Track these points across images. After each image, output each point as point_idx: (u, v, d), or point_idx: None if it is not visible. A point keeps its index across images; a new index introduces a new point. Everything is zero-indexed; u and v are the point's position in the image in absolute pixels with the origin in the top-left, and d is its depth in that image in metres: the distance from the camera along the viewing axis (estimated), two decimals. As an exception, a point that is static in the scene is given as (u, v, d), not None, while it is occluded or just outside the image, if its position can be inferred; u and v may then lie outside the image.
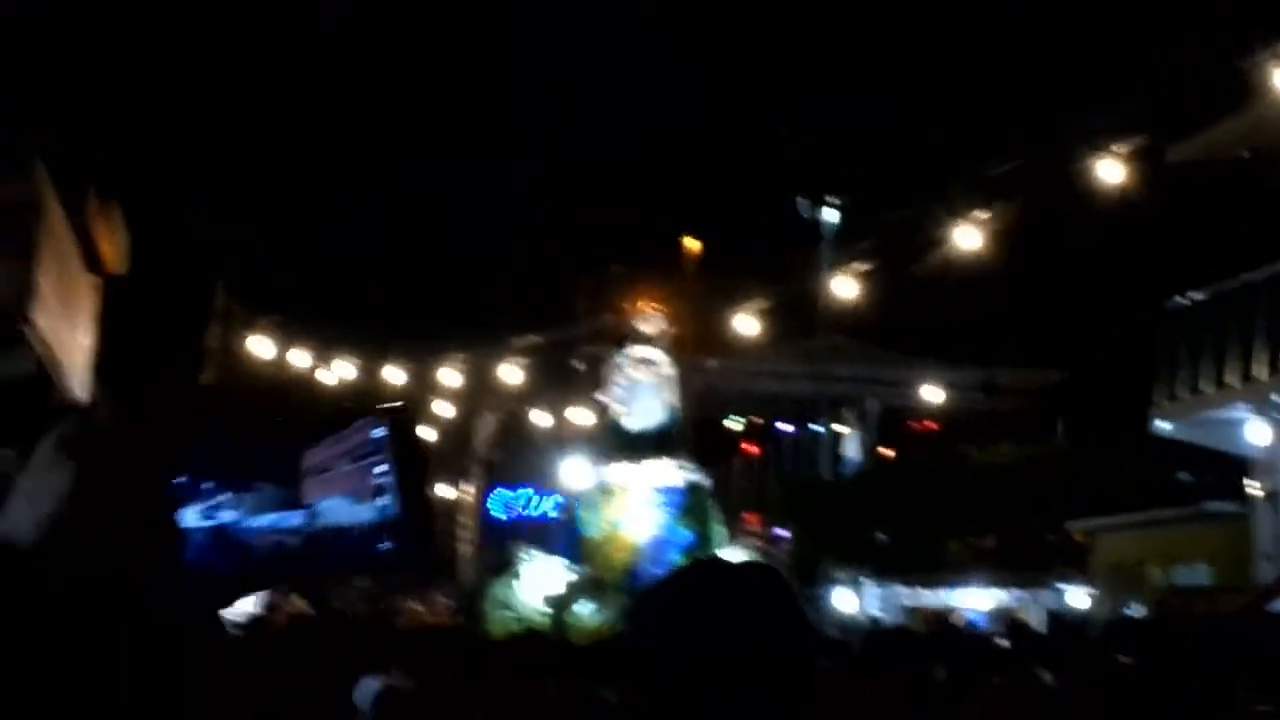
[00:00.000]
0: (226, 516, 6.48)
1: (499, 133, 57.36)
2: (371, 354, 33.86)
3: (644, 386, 26.04)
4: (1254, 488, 26.47)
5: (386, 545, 6.28)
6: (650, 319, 26.53)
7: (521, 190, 53.44)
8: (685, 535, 25.11)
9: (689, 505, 25.61)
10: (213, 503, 6.45)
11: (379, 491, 6.22)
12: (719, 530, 26.15)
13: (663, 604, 3.00)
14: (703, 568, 3.09)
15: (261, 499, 6.47)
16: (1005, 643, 19.20)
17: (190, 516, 6.43)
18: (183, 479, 6.40)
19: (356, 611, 40.63)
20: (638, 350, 26.20)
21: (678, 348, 26.90)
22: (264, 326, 32.22)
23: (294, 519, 6.39)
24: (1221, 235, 28.26)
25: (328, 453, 6.43)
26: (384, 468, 6.35)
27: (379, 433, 6.35)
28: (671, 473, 25.72)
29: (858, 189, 41.38)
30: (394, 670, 9.34)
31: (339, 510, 6.59)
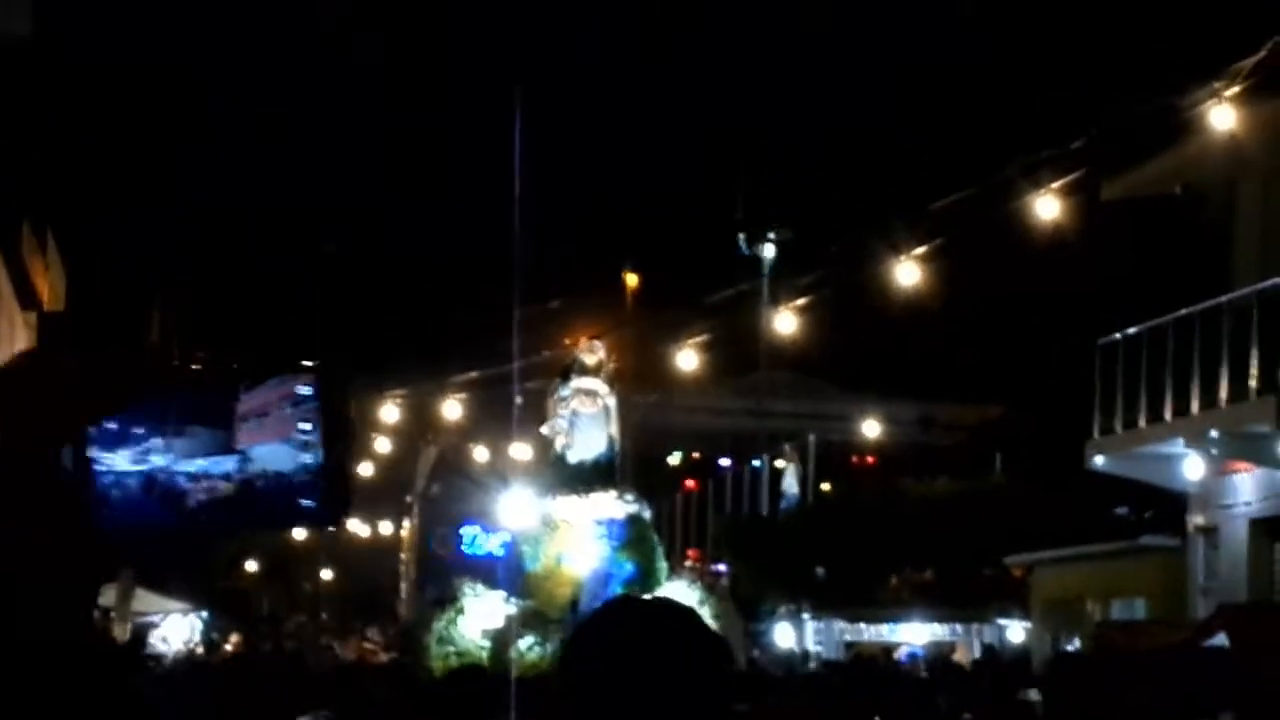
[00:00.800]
0: (158, 461, 6.43)
1: (437, 168, 57.36)
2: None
3: (586, 418, 25.99)
4: (1191, 522, 26.61)
5: (308, 501, 6.25)
6: (592, 350, 26.47)
7: (459, 224, 53.40)
8: (627, 568, 25.01)
9: (630, 537, 25.51)
10: (144, 447, 6.40)
11: (305, 447, 6.18)
12: (661, 563, 26.07)
13: (581, 645, 3.01)
14: (617, 608, 3.11)
15: (194, 443, 6.42)
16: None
17: (121, 460, 6.39)
18: (113, 423, 6.36)
19: (294, 648, 40.44)
20: (580, 381, 26.08)
21: (618, 382, 26.85)
22: (200, 360, 32.05)
23: (227, 464, 6.34)
24: (1155, 271, 28.46)
25: (264, 398, 6.39)
26: (309, 424, 6.31)
27: (306, 389, 6.31)
28: (613, 504, 25.62)
29: (799, 225, 41.49)
30: (332, 708, 9.28)
31: (272, 457, 6.55)
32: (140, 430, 6.48)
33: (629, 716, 2.90)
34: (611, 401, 26.26)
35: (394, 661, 28.46)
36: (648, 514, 26.78)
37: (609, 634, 3.01)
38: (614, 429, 26.34)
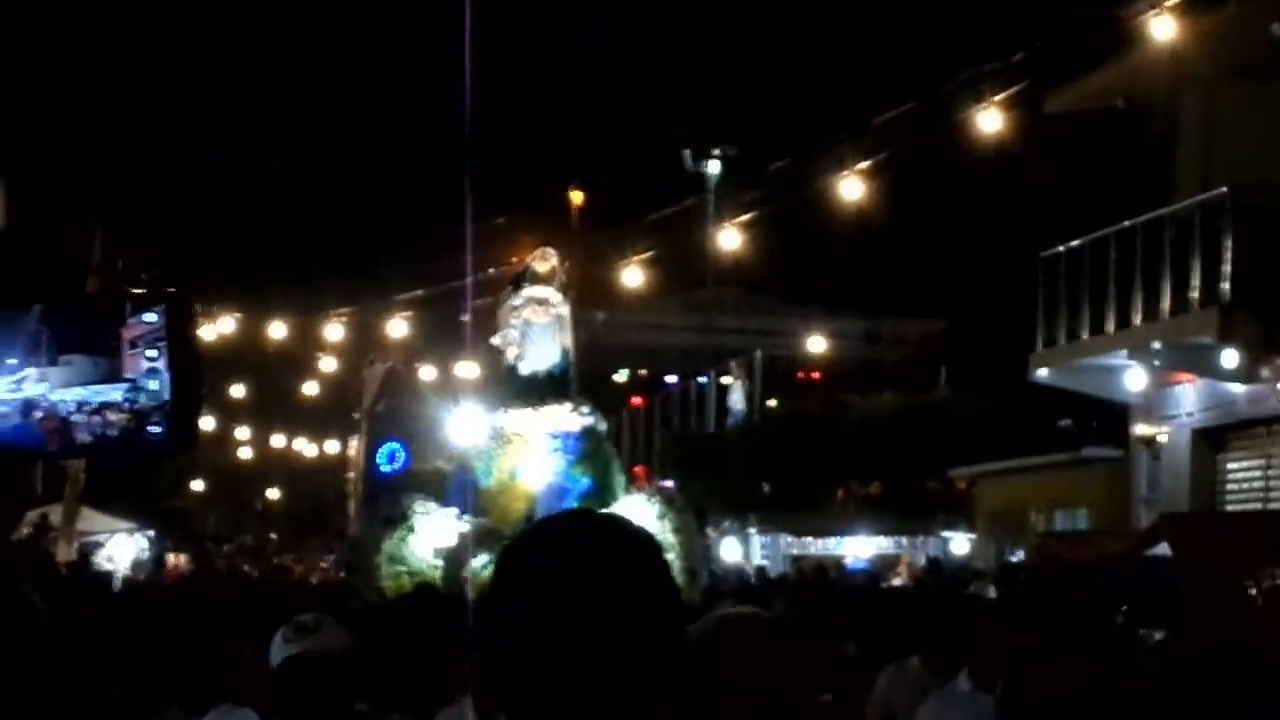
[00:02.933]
0: (34, 390, 6.36)
1: (384, 85, 57.00)
2: (254, 309, 33.61)
3: (538, 327, 25.25)
4: (1133, 433, 26.82)
5: (156, 429, 6.20)
6: (544, 257, 25.77)
7: (405, 141, 53.12)
8: (583, 482, 24.42)
9: (586, 451, 24.88)
10: (19, 376, 6.34)
11: (151, 375, 6.13)
12: (617, 477, 25.48)
13: (516, 560, 2.84)
14: (563, 523, 2.92)
15: (73, 371, 6.35)
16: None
17: None
18: None
19: (238, 569, 40.39)
20: (532, 290, 25.40)
21: (570, 291, 26.12)
22: (144, 282, 31.90)
23: (112, 392, 6.24)
24: (1098, 183, 28.55)
25: (146, 327, 6.33)
26: (155, 352, 6.25)
27: (153, 317, 6.25)
28: (567, 417, 24.97)
29: (743, 141, 41.43)
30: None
31: (154, 382, 6.49)
32: (13, 360, 6.42)
33: (572, 640, 2.74)
34: (565, 310, 25.51)
35: (341, 582, 28.12)
36: (603, 427, 26.09)
37: (557, 549, 2.82)
38: (568, 339, 25.61)
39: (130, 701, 7.01)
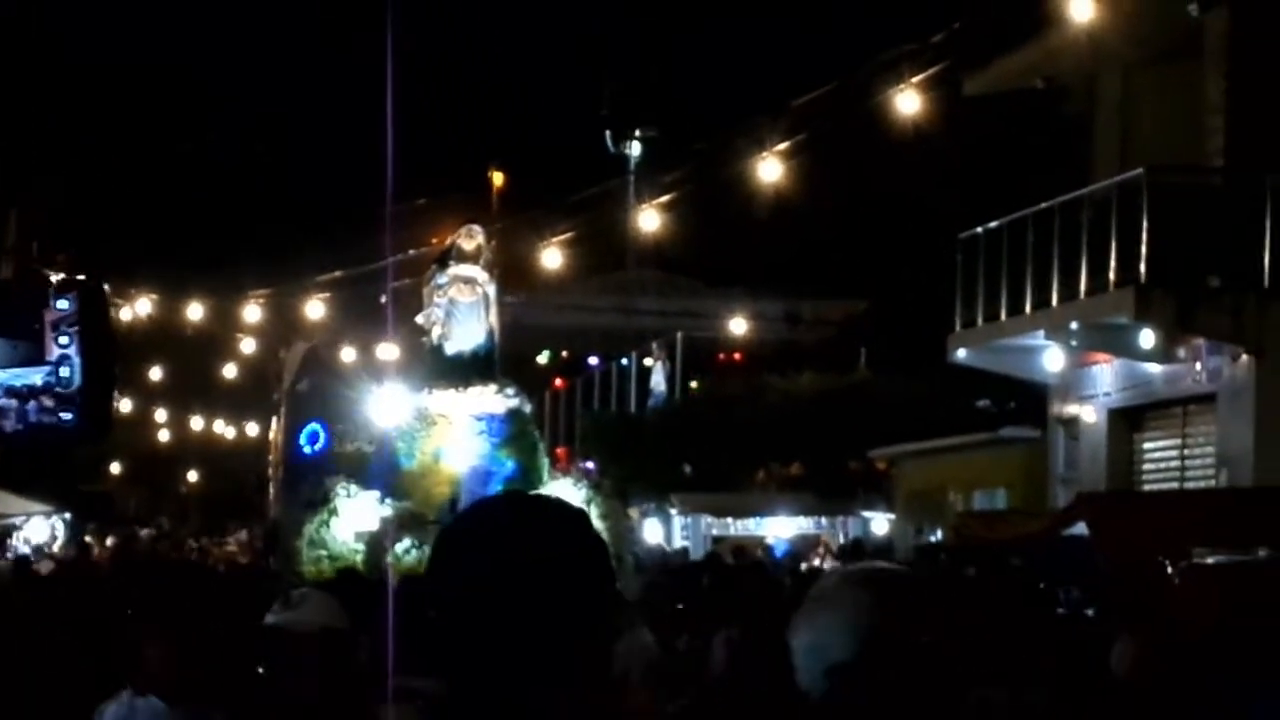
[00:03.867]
0: None
1: (304, 65, 56.68)
2: (171, 290, 33.38)
3: (464, 306, 24.74)
4: (1051, 413, 26.98)
5: (69, 416, 6.14)
6: (470, 235, 25.08)
7: (325, 123, 52.88)
8: (508, 465, 23.99)
9: (511, 433, 24.47)
10: None
11: (64, 361, 6.10)
12: (542, 460, 25.11)
13: (461, 540, 2.86)
14: (501, 503, 2.95)
15: None
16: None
17: None
18: None
19: (158, 551, 40.07)
20: (458, 269, 24.86)
21: (496, 269, 25.62)
22: (61, 265, 31.61)
23: (34, 375, 6.18)
24: (1017, 164, 28.69)
25: (60, 313, 6.30)
26: (67, 339, 6.24)
27: (65, 304, 6.24)
28: (492, 399, 24.51)
29: (664, 122, 41.41)
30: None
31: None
32: None
33: (509, 620, 2.75)
34: (491, 290, 24.99)
35: (260, 565, 27.83)
36: (529, 409, 25.65)
37: (493, 529, 2.83)
38: (493, 319, 25.11)
39: (80, 684, 6.93)
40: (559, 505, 2.91)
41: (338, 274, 33.18)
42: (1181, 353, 23.09)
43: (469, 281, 24.89)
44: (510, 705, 2.74)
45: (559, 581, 2.77)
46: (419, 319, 25.38)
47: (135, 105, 50.68)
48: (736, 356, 44.94)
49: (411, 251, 30.48)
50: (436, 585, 2.83)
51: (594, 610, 2.79)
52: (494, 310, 25.21)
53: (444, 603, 2.79)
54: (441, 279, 24.94)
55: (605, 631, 2.81)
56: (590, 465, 39.59)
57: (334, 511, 23.43)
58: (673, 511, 38.26)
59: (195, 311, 33.21)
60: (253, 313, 33.78)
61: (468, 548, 2.82)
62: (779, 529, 36.32)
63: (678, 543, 36.47)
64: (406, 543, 22.49)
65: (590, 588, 2.80)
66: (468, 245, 25.07)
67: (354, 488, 23.90)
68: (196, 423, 54.82)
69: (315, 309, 33.31)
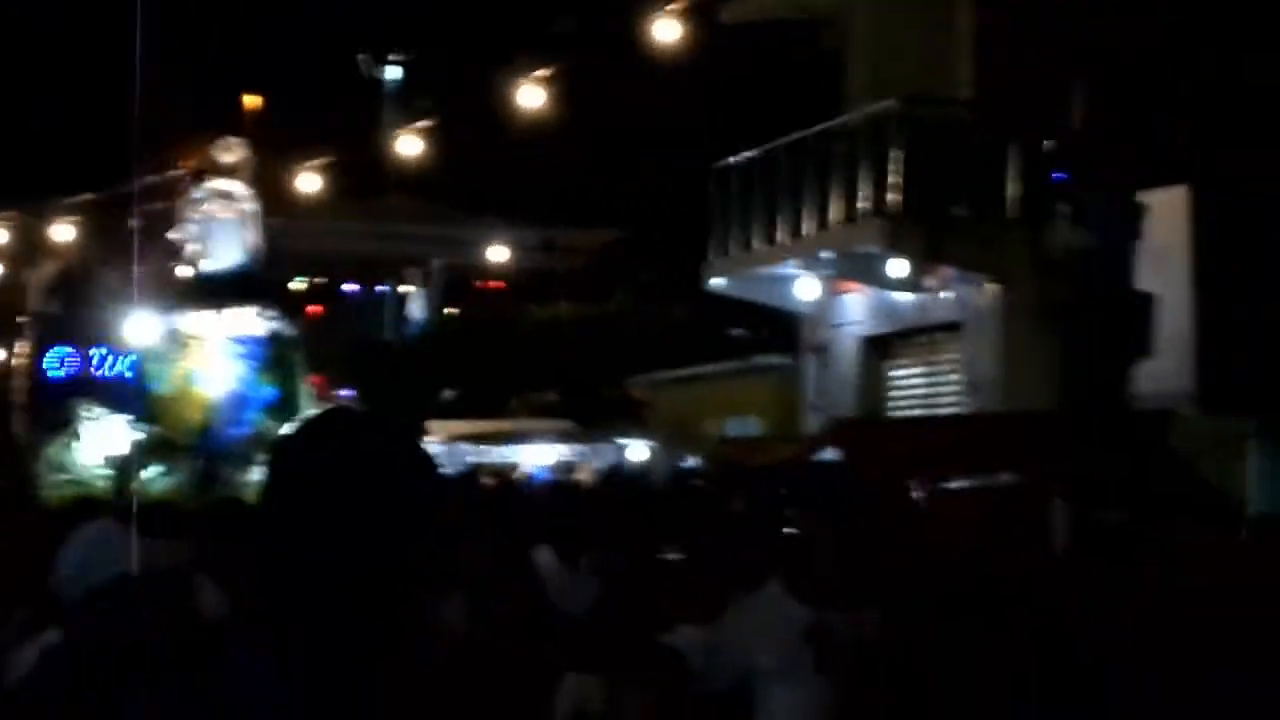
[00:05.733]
0: None
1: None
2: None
3: (222, 224, 23.50)
4: (804, 341, 27.34)
5: None
6: (229, 148, 23.81)
7: (72, 43, 51.53)
8: (268, 391, 23.10)
9: (272, 358, 23.42)
10: None
11: None
12: (303, 386, 24.13)
13: (303, 453, 2.78)
14: (343, 417, 2.87)
15: None
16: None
17: None
18: None
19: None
20: (215, 183, 23.49)
21: (259, 183, 24.48)
22: None
23: None
24: (774, 95, 28.93)
25: None
26: None
27: None
28: (252, 321, 23.44)
29: (420, 46, 41.11)
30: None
31: None
32: None
33: (347, 536, 2.69)
34: (252, 206, 23.70)
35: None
36: (291, 333, 24.66)
37: (329, 446, 2.77)
38: (254, 237, 23.81)
39: None
40: (394, 423, 2.86)
41: (88, 196, 32.42)
42: (930, 282, 23.53)
43: (227, 196, 23.70)
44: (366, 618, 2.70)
45: (409, 500, 2.74)
46: (172, 235, 24.28)
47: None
48: (494, 284, 44.91)
49: (167, 174, 29.77)
50: (281, 507, 2.74)
51: (429, 521, 2.76)
52: (254, 228, 23.98)
53: (291, 524, 2.72)
54: (198, 194, 23.76)
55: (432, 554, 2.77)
56: (347, 393, 39.34)
57: (76, 435, 22.48)
58: (430, 439, 38.18)
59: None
60: (-2, 235, 32.92)
61: (314, 468, 2.74)
62: (537, 456, 36.41)
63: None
64: (157, 468, 21.83)
65: (434, 505, 2.78)
66: (227, 159, 23.86)
67: (100, 410, 22.89)
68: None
69: (65, 232, 32.53)
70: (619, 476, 29.70)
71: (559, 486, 23.97)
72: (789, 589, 7.66)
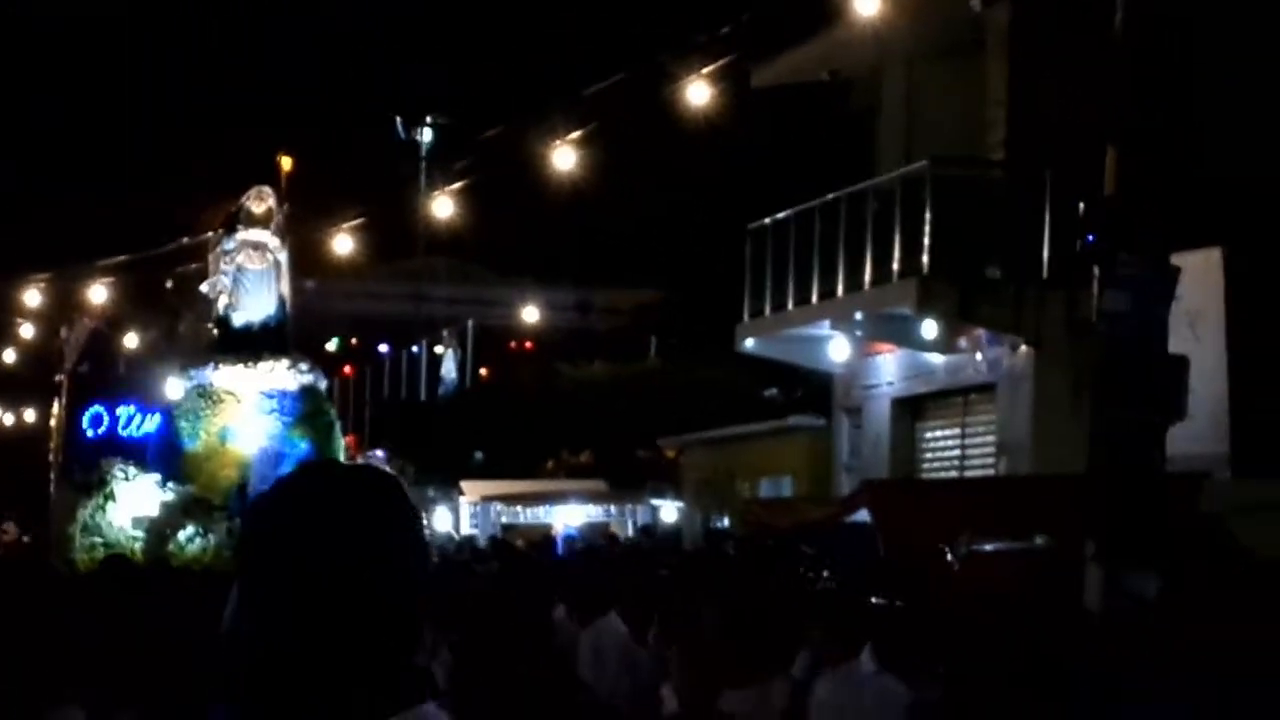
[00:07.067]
0: None
1: (100, 49, 55.65)
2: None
3: (253, 274, 23.24)
4: (836, 402, 27.29)
5: None
6: (260, 197, 23.51)
7: (121, 110, 51.98)
8: (301, 446, 22.72)
9: (305, 411, 23.11)
10: None
11: None
12: (338, 441, 23.68)
13: (274, 510, 2.67)
14: (317, 471, 2.78)
15: None
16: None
17: None
18: None
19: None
20: (247, 234, 23.20)
21: (290, 235, 23.87)
22: None
23: None
24: (805, 156, 28.97)
25: None
26: None
27: None
28: (284, 374, 23.08)
29: (456, 109, 41.30)
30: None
31: None
32: None
33: (322, 591, 2.58)
34: (283, 256, 23.42)
35: (29, 552, 26.72)
36: (324, 385, 24.22)
37: (304, 498, 2.66)
38: (285, 287, 23.52)
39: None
40: (379, 479, 2.72)
41: (121, 257, 32.59)
42: (963, 343, 23.48)
43: (259, 247, 23.36)
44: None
45: (387, 551, 2.63)
46: (203, 287, 23.75)
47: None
48: (528, 345, 44.95)
49: (199, 237, 29.93)
50: (255, 574, 2.63)
51: (411, 596, 2.65)
52: (286, 279, 23.60)
53: (262, 595, 2.61)
54: (229, 244, 23.32)
55: (413, 624, 2.66)
56: (380, 453, 39.37)
57: (110, 496, 22.03)
58: (462, 499, 38.17)
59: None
60: (32, 296, 33.09)
61: (289, 523, 2.63)
62: (568, 516, 36.38)
63: (466, 530, 36.39)
64: (190, 530, 21.30)
65: (412, 570, 2.67)
66: (257, 208, 23.37)
67: (132, 470, 22.45)
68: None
69: (98, 293, 32.72)
70: (651, 537, 29.68)
71: (591, 550, 23.98)
72: (881, 662, 7.49)
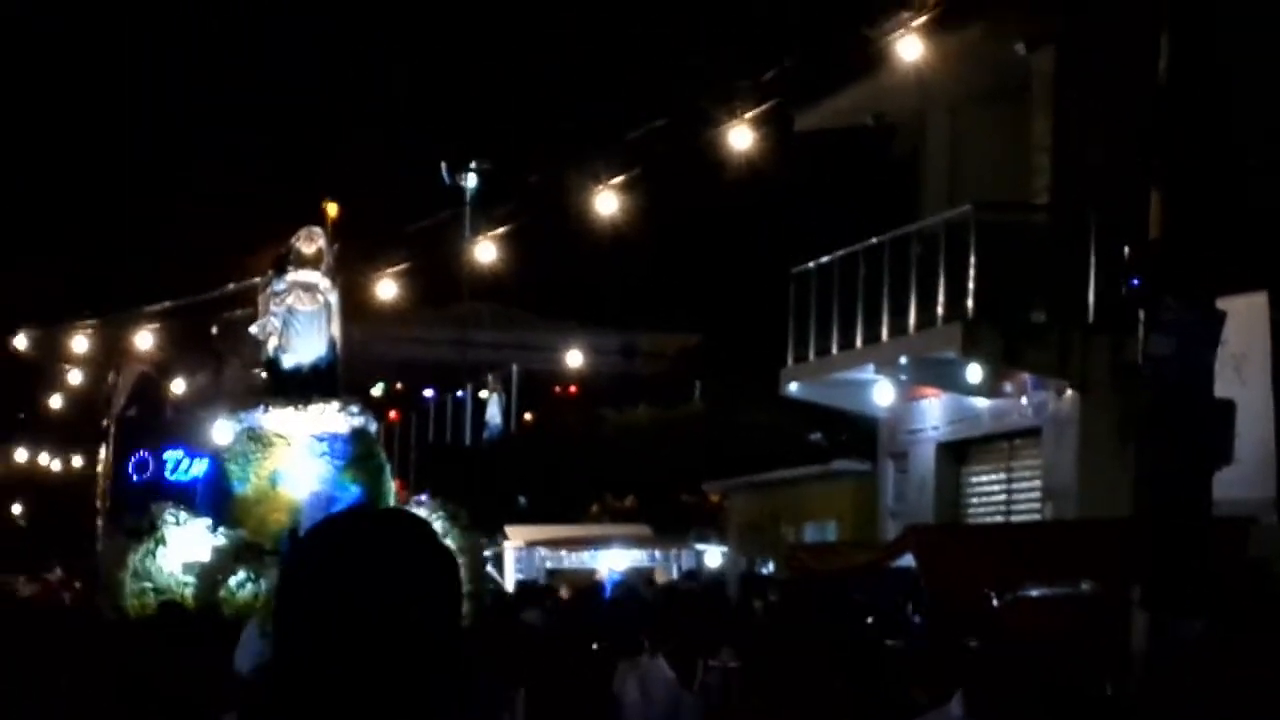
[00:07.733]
0: None
1: (135, 90, 56.02)
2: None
3: (304, 315, 22.84)
4: (881, 446, 27.24)
5: None
6: (310, 238, 23.15)
7: (164, 156, 52.29)
8: (352, 490, 22.33)
9: (356, 455, 22.74)
10: None
11: None
12: (389, 484, 23.42)
13: (307, 556, 2.70)
14: (349, 517, 2.82)
15: None
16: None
17: None
18: None
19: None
20: (297, 275, 22.86)
21: (340, 276, 23.44)
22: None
23: None
24: (848, 200, 28.99)
25: None
26: None
27: None
28: (335, 417, 22.68)
29: (501, 154, 41.46)
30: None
31: None
32: None
33: (360, 642, 2.61)
34: (334, 298, 22.93)
35: (81, 599, 26.48)
36: (374, 428, 23.70)
37: (338, 547, 2.68)
38: (336, 329, 23.03)
39: None
40: (417, 525, 2.75)
41: (167, 303, 32.73)
42: (1008, 387, 23.42)
43: (309, 288, 23.05)
44: None
45: (420, 600, 2.66)
46: (253, 329, 23.29)
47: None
48: (572, 389, 45.00)
49: (249, 281, 29.99)
50: (286, 621, 2.66)
51: (452, 639, 2.69)
52: (336, 320, 23.28)
53: (293, 641, 2.64)
54: (279, 285, 23.04)
55: (457, 661, 2.69)
56: (424, 498, 39.39)
57: (161, 541, 21.65)
58: (507, 544, 38.17)
59: (20, 343, 32.71)
60: (80, 343, 33.28)
61: (322, 571, 2.66)
62: (614, 561, 36.34)
63: (511, 575, 36.37)
64: (241, 575, 21.00)
65: (449, 615, 2.70)
66: (308, 249, 23.11)
67: (183, 515, 22.12)
68: (20, 455, 53.90)
69: (144, 338, 32.87)
70: (697, 580, 29.64)
71: (636, 596, 23.91)
72: (971, 710, 7.44)
